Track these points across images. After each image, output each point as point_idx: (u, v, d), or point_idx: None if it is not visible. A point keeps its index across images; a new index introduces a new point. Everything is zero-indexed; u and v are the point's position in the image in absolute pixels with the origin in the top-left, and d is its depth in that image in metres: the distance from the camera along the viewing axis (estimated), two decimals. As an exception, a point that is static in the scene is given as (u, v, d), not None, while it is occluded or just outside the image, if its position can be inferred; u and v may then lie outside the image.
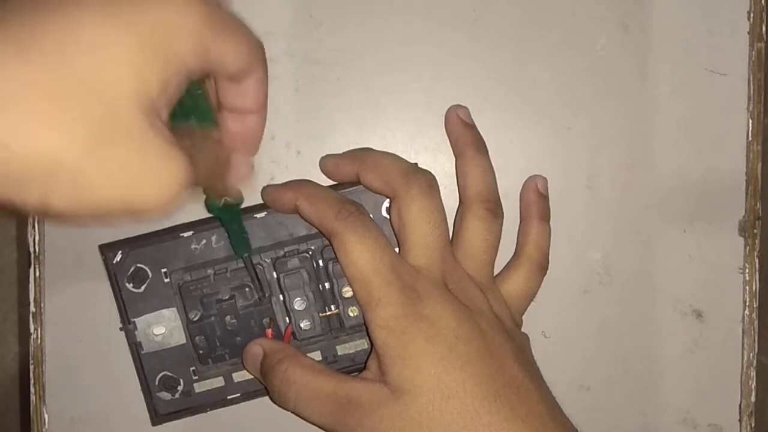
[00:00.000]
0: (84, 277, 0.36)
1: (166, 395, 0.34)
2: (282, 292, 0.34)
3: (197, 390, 0.35)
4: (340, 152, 0.36)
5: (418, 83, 0.36)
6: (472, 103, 0.36)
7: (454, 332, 0.31)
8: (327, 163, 0.35)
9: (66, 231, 0.36)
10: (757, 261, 0.37)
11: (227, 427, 0.36)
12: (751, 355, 0.37)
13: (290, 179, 0.35)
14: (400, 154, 0.35)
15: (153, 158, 0.23)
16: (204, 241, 0.34)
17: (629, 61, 0.37)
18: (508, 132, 0.37)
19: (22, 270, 0.98)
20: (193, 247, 0.34)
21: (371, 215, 0.33)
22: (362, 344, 0.35)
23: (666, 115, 0.37)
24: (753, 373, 0.37)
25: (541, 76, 0.36)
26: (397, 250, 0.33)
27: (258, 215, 0.34)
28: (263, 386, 0.34)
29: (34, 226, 0.35)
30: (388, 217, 0.34)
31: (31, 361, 0.36)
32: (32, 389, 0.36)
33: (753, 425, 0.37)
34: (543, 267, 0.35)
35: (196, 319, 0.34)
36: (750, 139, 0.37)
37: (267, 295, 0.34)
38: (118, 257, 0.34)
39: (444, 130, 0.36)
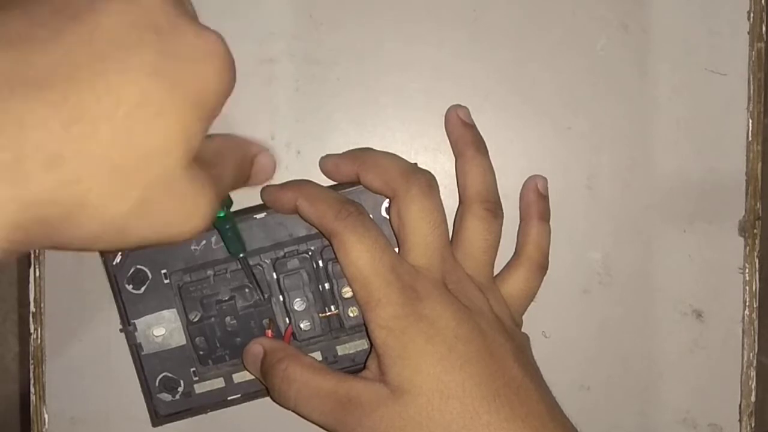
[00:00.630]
0: (84, 277, 0.36)
1: (166, 396, 0.34)
2: (282, 293, 0.34)
3: (197, 391, 0.35)
4: (340, 152, 0.36)
5: (418, 83, 0.36)
6: (472, 103, 0.36)
7: (454, 332, 0.31)
8: (327, 163, 0.35)
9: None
10: (757, 261, 0.37)
11: (227, 428, 0.36)
12: (751, 355, 0.37)
13: (290, 179, 0.35)
14: (400, 154, 0.35)
15: (190, 202, 0.24)
16: (203, 242, 0.34)
17: (629, 61, 0.36)
18: (508, 132, 0.37)
19: (22, 270, 0.98)
20: (192, 248, 0.34)
21: (371, 215, 0.33)
22: (362, 344, 0.35)
23: (666, 115, 0.37)
24: (753, 373, 0.37)
25: (541, 76, 0.36)
26: (396, 250, 0.33)
27: (258, 216, 0.34)
28: (263, 387, 0.34)
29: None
30: (387, 217, 0.34)
31: (31, 361, 0.36)
32: (32, 389, 0.36)
33: (753, 425, 0.37)
34: (543, 267, 0.35)
35: (196, 320, 0.34)
36: (750, 139, 0.37)
37: (267, 295, 0.34)
38: (118, 259, 0.34)
39: (444, 130, 0.36)
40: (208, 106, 0.24)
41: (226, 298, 0.34)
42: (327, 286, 0.34)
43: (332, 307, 0.34)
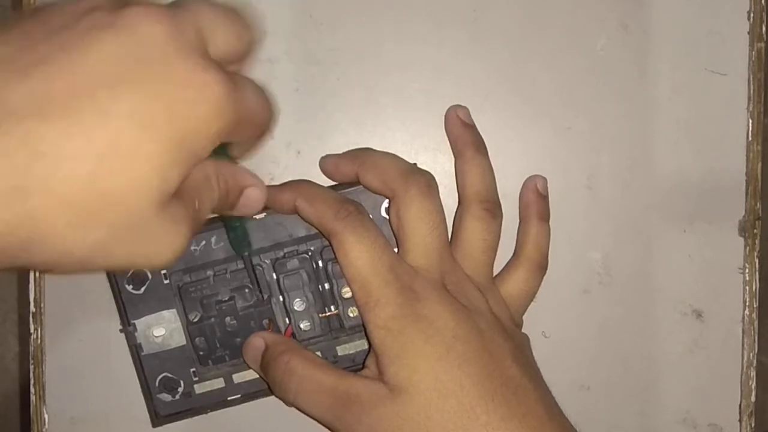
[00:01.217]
0: (84, 277, 0.36)
1: (166, 397, 0.34)
2: (282, 293, 0.34)
3: (197, 391, 0.35)
4: (340, 152, 0.36)
5: (418, 83, 0.36)
6: (472, 103, 0.36)
7: (452, 332, 0.31)
8: (327, 163, 0.35)
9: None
10: (757, 261, 0.37)
11: (228, 429, 0.36)
12: (751, 355, 0.37)
13: (290, 179, 0.35)
14: (400, 154, 0.35)
15: (161, 241, 0.24)
16: (203, 243, 0.34)
17: (629, 61, 0.36)
18: (508, 132, 0.37)
19: (21, 270, 0.97)
20: (192, 248, 0.34)
21: (371, 216, 0.33)
22: (362, 345, 0.35)
23: (666, 115, 0.37)
24: (753, 373, 0.37)
25: (541, 76, 0.36)
26: (396, 250, 0.33)
27: (257, 216, 0.34)
28: (263, 388, 0.35)
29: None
30: (387, 217, 0.34)
31: (31, 361, 0.36)
32: (32, 389, 0.36)
33: (753, 425, 0.37)
34: (542, 267, 0.35)
35: (196, 320, 0.34)
36: (750, 139, 0.37)
37: (266, 296, 0.34)
38: (118, 258, 0.34)
39: (444, 130, 0.36)
40: (190, 148, 0.23)
41: (226, 299, 0.34)
42: (327, 286, 0.34)
43: (332, 308, 0.34)
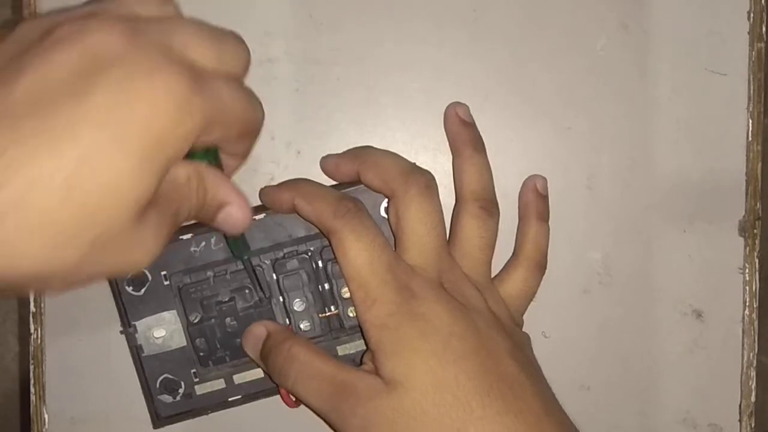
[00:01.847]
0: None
1: (167, 398, 0.34)
2: (281, 294, 0.34)
3: (198, 392, 0.35)
4: (341, 152, 0.36)
5: (418, 83, 0.36)
6: (472, 103, 0.36)
7: (449, 329, 0.31)
8: (327, 163, 0.35)
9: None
10: (757, 261, 0.37)
11: (228, 429, 0.36)
12: (751, 355, 0.37)
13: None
14: (400, 154, 0.35)
15: (138, 248, 0.24)
16: (203, 244, 0.34)
17: (629, 61, 0.36)
18: (508, 132, 0.37)
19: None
20: (192, 249, 0.34)
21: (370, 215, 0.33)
22: (362, 344, 0.35)
23: (666, 115, 0.37)
24: (753, 373, 0.37)
25: (541, 76, 0.36)
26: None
27: (257, 217, 0.34)
28: (264, 388, 0.35)
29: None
30: (386, 216, 0.34)
31: (31, 361, 0.36)
32: (32, 389, 0.36)
33: (753, 425, 0.37)
34: (541, 266, 0.35)
35: (196, 321, 0.34)
36: (750, 139, 0.37)
37: (267, 296, 0.34)
38: (118, 259, 0.34)
39: (443, 129, 0.36)
40: (162, 151, 0.23)
41: (226, 299, 0.34)
42: (326, 286, 0.34)
43: (332, 308, 0.34)
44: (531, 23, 0.36)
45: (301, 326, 0.34)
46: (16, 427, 0.98)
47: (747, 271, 0.37)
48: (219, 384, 0.35)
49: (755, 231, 0.37)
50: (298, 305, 0.34)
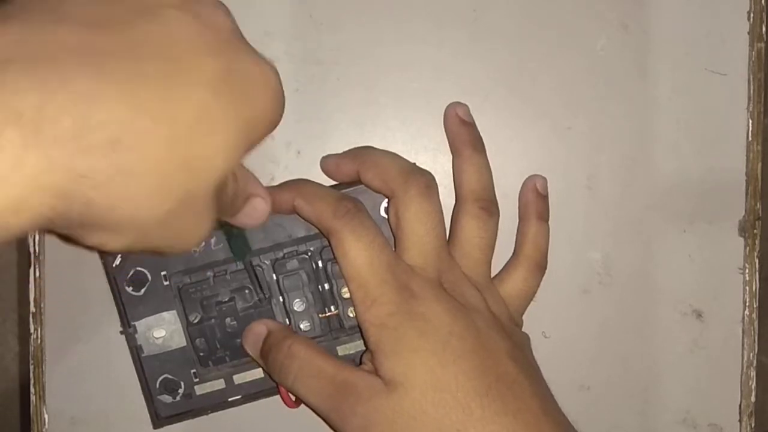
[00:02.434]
0: (84, 278, 0.36)
1: (167, 398, 0.34)
2: (281, 294, 0.34)
3: (198, 392, 0.35)
4: (341, 152, 0.36)
5: (418, 83, 0.36)
6: (472, 103, 0.36)
7: (448, 328, 0.31)
8: (328, 163, 0.35)
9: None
10: (757, 261, 0.37)
11: (228, 430, 0.36)
12: (751, 355, 0.37)
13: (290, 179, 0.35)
14: (400, 154, 0.35)
15: (201, 221, 0.24)
16: (203, 244, 0.34)
17: (629, 61, 0.36)
18: (508, 132, 0.37)
19: (22, 270, 0.98)
20: (192, 249, 0.34)
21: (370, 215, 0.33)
22: (362, 344, 0.35)
23: (666, 115, 0.37)
24: (753, 373, 0.37)
25: (541, 76, 0.36)
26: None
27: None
28: (264, 388, 0.35)
29: (33, 228, 0.35)
30: (386, 216, 0.34)
31: (31, 361, 0.36)
32: (32, 389, 0.36)
33: (753, 425, 0.37)
34: (541, 266, 0.35)
35: (196, 321, 0.34)
36: (750, 139, 0.37)
37: (267, 296, 0.34)
38: (118, 261, 0.34)
39: (443, 129, 0.36)
40: (255, 133, 0.24)
41: (226, 300, 0.34)
42: (326, 286, 0.34)
43: (332, 308, 0.34)
44: (531, 23, 0.36)
45: (301, 326, 0.34)
46: (16, 427, 0.98)
47: (747, 271, 0.37)
48: (219, 384, 0.35)
49: (755, 231, 0.37)
50: (298, 305, 0.34)
